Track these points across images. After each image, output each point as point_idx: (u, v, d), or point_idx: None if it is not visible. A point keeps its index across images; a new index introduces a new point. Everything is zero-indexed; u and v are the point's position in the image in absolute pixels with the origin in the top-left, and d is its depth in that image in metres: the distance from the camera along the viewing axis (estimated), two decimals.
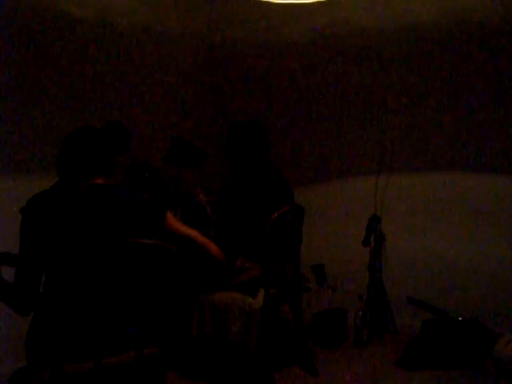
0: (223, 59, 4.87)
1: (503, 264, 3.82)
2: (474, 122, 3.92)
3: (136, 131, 4.00)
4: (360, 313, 3.89)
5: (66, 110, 3.64)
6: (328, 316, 3.94)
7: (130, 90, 4.14)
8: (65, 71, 3.66)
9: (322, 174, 4.51)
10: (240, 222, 3.36)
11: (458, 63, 3.94)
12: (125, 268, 2.02)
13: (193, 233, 2.30)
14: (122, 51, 4.06)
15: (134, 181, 3.68)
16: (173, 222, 2.25)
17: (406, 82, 4.13)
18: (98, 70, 3.88)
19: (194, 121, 4.71)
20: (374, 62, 4.24)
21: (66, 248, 2.01)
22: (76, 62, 3.73)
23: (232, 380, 3.23)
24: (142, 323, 2.07)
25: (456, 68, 3.95)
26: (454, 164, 4.01)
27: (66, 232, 2.02)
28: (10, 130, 3.34)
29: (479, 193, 3.92)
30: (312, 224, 3.48)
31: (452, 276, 3.99)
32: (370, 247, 4.02)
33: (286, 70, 4.61)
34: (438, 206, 4.05)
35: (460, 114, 3.96)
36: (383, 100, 4.23)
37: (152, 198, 3.66)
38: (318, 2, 3.77)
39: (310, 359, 3.46)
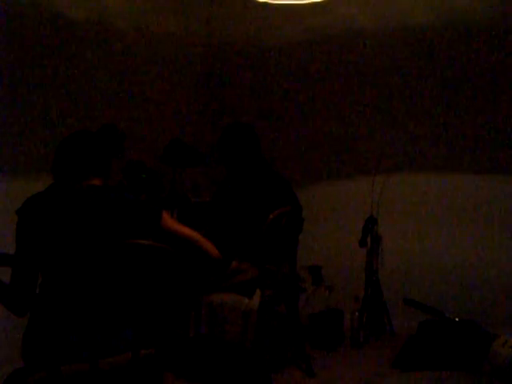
0: (220, 60, 4.87)
1: (499, 265, 3.83)
2: (471, 123, 3.93)
3: (133, 132, 4.00)
4: (356, 314, 3.89)
5: (63, 111, 3.64)
6: (324, 317, 3.94)
7: (128, 91, 4.14)
8: (62, 73, 3.65)
9: (319, 175, 4.51)
10: (236, 222, 3.37)
11: (456, 63, 3.95)
12: (121, 269, 2.01)
13: (190, 233, 2.30)
14: (119, 52, 4.06)
15: (130, 182, 3.67)
16: (169, 222, 2.25)
17: (403, 82, 4.14)
18: (96, 72, 3.88)
19: (191, 121, 4.71)
20: (370, 62, 4.25)
21: (62, 249, 2.01)
22: (73, 64, 3.72)
23: (228, 381, 3.22)
24: (139, 324, 2.06)
25: (453, 68, 3.96)
26: (451, 165, 4.02)
27: (62, 233, 2.02)
28: (6, 131, 3.34)
29: (475, 194, 3.93)
30: (308, 225, 3.48)
31: (448, 277, 4.00)
32: (367, 248, 4.02)
33: (284, 70, 4.62)
34: (434, 208, 4.06)
35: (458, 114, 3.97)
36: (380, 100, 4.23)
37: (149, 198, 3.66)
38: (314, 3, 3.77)
39: (307, 360, 3.46)
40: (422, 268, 4.09)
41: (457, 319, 3.63)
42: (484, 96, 3.87)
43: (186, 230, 2.30)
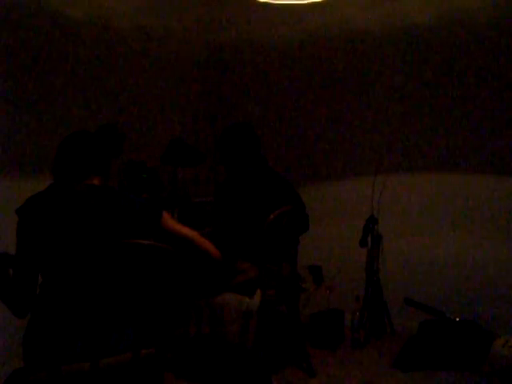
0: (221, 60, 4.87)
1: (500, 265, 3.82)
2: (471, 123, 3.92)
3: (134, 132, 4.00)
4: (357, 314, 3.89)
5: (63, 111, 3.64)
6: (325, 317, 3.94)
7: (129, 91, 4.14)
8: (63, 73, 3.65)
9: (319, 175, 4.51)
10: (237, 222, 3.37)
11: (454, 64, 3.95)
12: (121, 269, 2.01)
13: (190, 233, 2.30)
14: (120, 52, 4.06)
15: (131, 181, 3.68)
16: (169, 221, 2.25)
17: (403, 83, 4.14)
18: (97, 72, 3.88)
19: (192, 121, 4.71)
20: (370, 63, 4.25)
21: (63, 249, 2.01)
22: (74, 64, 3.72)
23: (229, 381, 3.23)
24: (139, 324, 2.06)
25: (452, 69, 3.96)
26: (451, 165, 4.02)
27: (62, 232, 2.02)
28: (7, 131, 3.33)
29: (476, 194, 3.92)
30: (309, 223, 3.48)
31: (449, 277, 4.00)
32: (367, 248, 4.02)
33: (284, 70, 4.62)
34: (434, 207, 4.06)
35: (457, 114, 3.97)
36: (380, 100, 4.23)
37: (149, 198, 3.66)
38: (314, 3, 3.77)
39: (307, 360, 3.46)
40: (423, 268, 4.09)
41: (457, 319, 3.63)
42: (485, 96, 3.87)
43: (186, 230, 2.31)
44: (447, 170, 4.04)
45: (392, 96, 4.18)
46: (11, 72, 3.36)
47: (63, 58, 3.66)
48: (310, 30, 4.46)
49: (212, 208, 3.65)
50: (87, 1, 3.81)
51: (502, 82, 3.81)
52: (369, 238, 3.99)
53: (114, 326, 2.03)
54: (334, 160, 4.45)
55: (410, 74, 4.11)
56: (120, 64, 4.07)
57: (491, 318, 3.76)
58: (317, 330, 3.92)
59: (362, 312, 3.94)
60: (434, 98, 4.04)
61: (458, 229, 3.98)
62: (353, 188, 4.36)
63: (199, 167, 4.14)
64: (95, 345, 1.97)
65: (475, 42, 3.87)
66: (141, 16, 4.23)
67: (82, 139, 2.22)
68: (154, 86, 4.36)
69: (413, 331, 3.72)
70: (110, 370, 2.00)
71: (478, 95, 3.89)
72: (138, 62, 4.22)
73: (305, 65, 4.53)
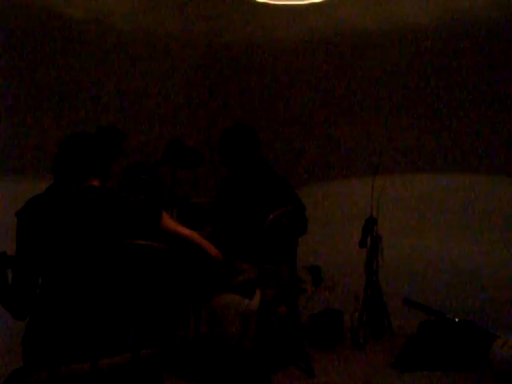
0: (221, 60, 4.87)
1: (499, 265, 3.83)
2: (470, 123, 3.93)
3: (133, 133, 4.00)
4: (356, 314, 3.90)
5: (63, 112, 3.64)
6: (324, 317, 3.94)
7: (128, 92, 4.14)
8: (63, 74, 3.66)
9: (319, 176, 4.51)
10: (237, 223, 3.37)
11: (454, 64, 3.95)
12: (121, 269, 2.01)
13: (189, 233, 2.31)
14: (120, 52, 4.06)
15: (130, 182, 3.68)
16: (169, 222, 2.26)
17: (402, 83, 4.14)
18: (96, 73, 3.88)
19: (191, 122, 4.72)
20: (369, 63, 4.25)
21: (63, 250, 2.01)
22: (74, 65, 3.72)
23: (228, 381, 3.23)
24: (139, 324, 2.07)
25: (452, 68, 3.96)
26: (451, 165, 4.02)
27: (62, 234, 2.02)
28: (7, 132, 3.34)
29: (475, 194, 3.93)
30: (308, 225, 3.48)
31: (448, 277, 4.00)
32: (367, 248, 4.02)
33: (284, 70, 4.62)
34: (434, 208, 4.06)
35: (457, 114, 3.97)
36: (379, 101, 4.23)
37: (149, 199, 3.66)
38: (313, 3, 3.77)
39: (307, 360, 3.46)
40: (422, 268, 4.09)
41: (457, 319, 3.63)
42: (484, 96, 3.87)
43: (186, 231, 2.31)
44: (447, 171, 4.04)
45: (392, 96, 4.19)
46: (11, 72, 3.36)
47: (63, 58, 3.66)
48: (310, 30, 4.46)
49: (211, 207, 3.65)
50: (87, 1, 3.81)
51: (502, 82, 3.81)
52: (368, 239, 4.00)
53: (113, 327, 2.03)
54: (333, 160, 4.45)
55: (410, 74, 4.11)
56: (120, 64, 4.07)
57: (491, 318, 3.77)
58: (316, 331, 3.92)
59: (361, 312, 3.94)
60: (433, 98, 4.04)
61: (457, 229, 3.99)
62: (352, 188, 4.36)
63: (198, 168, 4.14)
64: (95, 345, 1.97)
65: (475, 42, 3.88)
66: (141, 16, 4.23)
67: (82, 141, 2.22)
68: (154, 87, 4.36)
69: (412, 331, 3.72)
70: (110, 371, 2.00)
71: (478, 95, 3.89)
72: (138, 62, 4.22)
73: (305, 65, 4.53)
